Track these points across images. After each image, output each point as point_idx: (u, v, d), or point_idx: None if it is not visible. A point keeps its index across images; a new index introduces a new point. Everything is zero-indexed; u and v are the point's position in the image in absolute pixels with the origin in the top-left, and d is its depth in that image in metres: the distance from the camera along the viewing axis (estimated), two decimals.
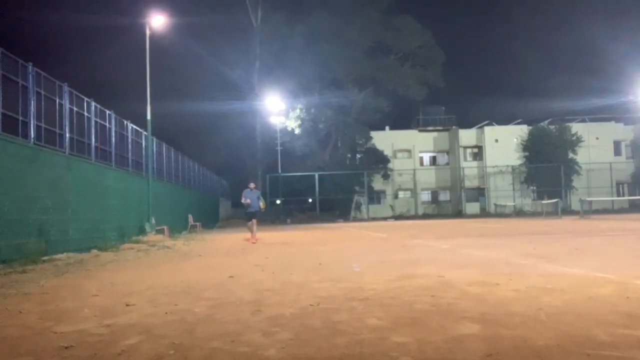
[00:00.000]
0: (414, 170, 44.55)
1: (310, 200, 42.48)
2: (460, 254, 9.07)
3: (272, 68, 41.23)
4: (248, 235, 15.04)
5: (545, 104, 45.01)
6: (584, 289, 4.87)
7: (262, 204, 14.55)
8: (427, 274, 6.26)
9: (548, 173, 40.33)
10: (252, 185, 14.81)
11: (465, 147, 44.26)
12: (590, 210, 27.66)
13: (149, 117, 18.53)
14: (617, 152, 43.33)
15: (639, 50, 54.65)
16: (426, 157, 46.98)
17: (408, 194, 45.08)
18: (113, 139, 15.51)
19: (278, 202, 41.48)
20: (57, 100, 11.91)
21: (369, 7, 42.16)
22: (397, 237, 15.18)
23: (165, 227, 18.34)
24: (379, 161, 43.04)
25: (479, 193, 43.62)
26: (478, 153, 44.05)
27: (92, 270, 8.36)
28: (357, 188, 41.41)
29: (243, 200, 14.28)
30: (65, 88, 12.31)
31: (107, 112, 15.13)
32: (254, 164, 43.50)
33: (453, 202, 44.80)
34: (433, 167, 46.48)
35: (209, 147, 42.68)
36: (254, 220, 14.32)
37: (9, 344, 3.53)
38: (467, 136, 44.14)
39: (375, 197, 43.93)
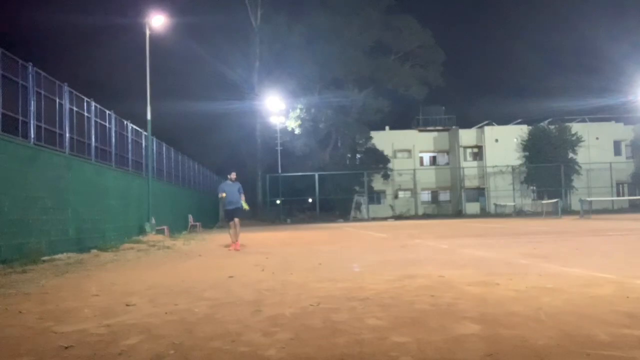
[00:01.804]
0: (414, 170, 44.53)
1: (310, 200, 42.47)
2: (460, 254, 9.07)
3: (272, 68, 41.26)
4: (228, 240, 12.41)
5: (545, 104, 44.98)
6: (584, 289, 4.87)
7: (243, 202, 11.97)
8: (427, 274, 6.26)
9: (548, 173, 40.30)
10: (232, 175, 11.99)
11: (465, 147, 44.24)
12: (590, 210, 27.62)
13: (149, 117, 18.52)
14: (617, 152, 43.32)
15: (639, 50, 54.59)
16: (426, 157, 46.96)
17: (408, 194, 45.06)
18: (113, 139, 15.51)
19: (278, 202, 41.48)
20: (57, 100, 11.90)
21: (369, 7, 42.17)
22: (397, 237, 15.16)
23: (165, 227, 18.34)
24: (379, 161, 43.03)
25: (479, 193, 43.61)
26: (478, 153, 44.04)
27: (92, 270, 8.36)
28: (357, 188, 41.39)
29: (219, 196, 11.99)
30: (65, 88, 12.31)
31: (107, 112, 15.12)
32: (254, 164, 43.54)
33: (453, 202, 44.78)
34: (433, 167, 46.47)
35: (209, 147, 42.63)
36: (236, 220, 11.77)
37: (9, 344, 3.53)
38: (467, 136, 44.13)
39: (375, 197, 43.91)
